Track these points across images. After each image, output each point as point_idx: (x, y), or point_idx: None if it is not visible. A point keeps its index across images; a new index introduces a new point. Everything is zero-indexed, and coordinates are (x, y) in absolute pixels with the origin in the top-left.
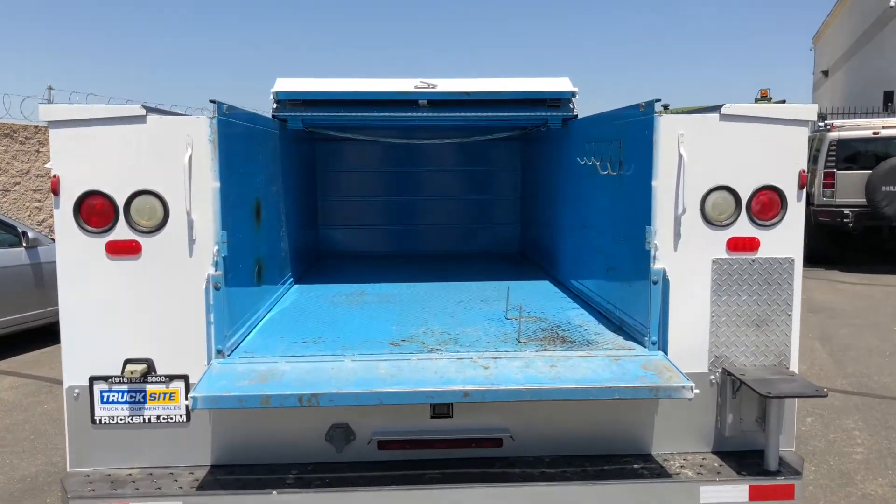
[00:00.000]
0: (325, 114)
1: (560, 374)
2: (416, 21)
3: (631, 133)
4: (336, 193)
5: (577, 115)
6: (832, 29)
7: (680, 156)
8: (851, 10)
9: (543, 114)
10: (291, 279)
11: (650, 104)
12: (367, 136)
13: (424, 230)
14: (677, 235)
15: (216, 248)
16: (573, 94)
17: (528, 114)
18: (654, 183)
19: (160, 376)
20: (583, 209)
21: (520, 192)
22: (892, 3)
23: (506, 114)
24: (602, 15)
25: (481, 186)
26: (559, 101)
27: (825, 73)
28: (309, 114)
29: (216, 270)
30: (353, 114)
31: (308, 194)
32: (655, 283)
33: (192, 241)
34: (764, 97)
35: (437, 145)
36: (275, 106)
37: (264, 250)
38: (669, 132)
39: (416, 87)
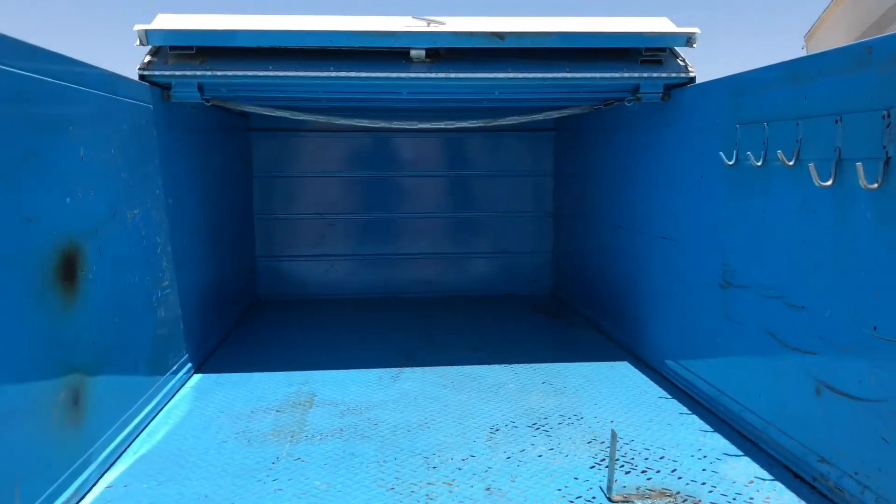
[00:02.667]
0: (241, 73)
1: None
2: None
3: None
4: (283, 208)
5: (693, 78)
6: (828, 26)
7: None
8: (853, 4)
9: (632, 75)
10: (189, 366)
11: None
12: (318, 118)
13: (413, 262)
14: None
15: None
16: (688, 40)
17: (605, 75)
18: None
19: None
20: (724, 251)
21: (552, 208)
22: None
23: (564, 75)
24: None
25: (494, 198)
26: (661, 52)
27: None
28: (211, 72)
29: None
30: (291, 74)
31: (234, 211)
32: None
33: None
34: None
35: (433, 136)
36: (147, 59)
37: (94, 345)
38: None
39: (406, 27)
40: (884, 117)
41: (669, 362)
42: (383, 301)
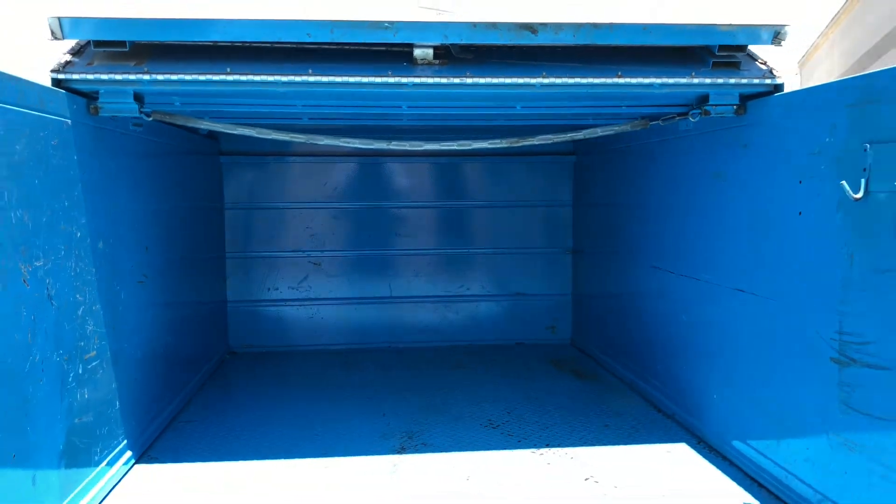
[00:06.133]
0: (191, 76)
1: None
2: None
3: None
4: (260, 246)
5: (779, 86)
6: (823, 51)
7: None
8: (849, 28)
9: (702, 82)
10: (129, 455)
11: None
12: (295, 137)
13: (410, 307)
14: None
15: None
16: (776, 35)
17: (666, 81)
18: None
19: None
20: (840, 315)
21: (571, 243)
22: None
23: (616, 81)
24: None
25: (503, 233)
26: (739, 51)
27: None
28: (151, 77)
29: None
30: (258, 77)
31: (203, 251)
32: None
33: None
34: None
35: (432, 162)
36: (65, 59)
37: None
38: None
39: (409, 17)
40: None
41: (745, 448)
42: (377, 353)
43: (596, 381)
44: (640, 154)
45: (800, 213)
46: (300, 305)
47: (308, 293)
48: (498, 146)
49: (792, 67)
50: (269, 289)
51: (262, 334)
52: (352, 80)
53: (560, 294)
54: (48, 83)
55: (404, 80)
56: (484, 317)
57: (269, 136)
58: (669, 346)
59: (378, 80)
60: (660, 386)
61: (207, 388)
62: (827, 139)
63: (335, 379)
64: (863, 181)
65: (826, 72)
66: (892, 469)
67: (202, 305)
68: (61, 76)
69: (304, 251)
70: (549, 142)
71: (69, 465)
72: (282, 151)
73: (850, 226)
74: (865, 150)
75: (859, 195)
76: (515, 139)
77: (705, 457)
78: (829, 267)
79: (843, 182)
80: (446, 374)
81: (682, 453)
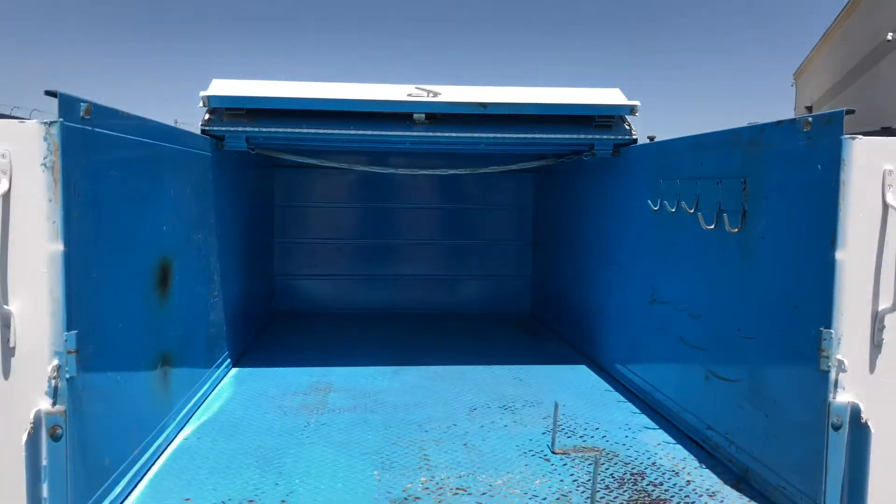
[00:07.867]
0: (280, 129)
1: None
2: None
3: (775, 167)
4: (299, 234)
5: (635, 139)
6: (816, 64)
7: (887, 208)
8: (839, 45)
9: (588, 136)
10: (229, 361)
11: (832, 119)
12: (337, 162)
13: (410, 282)
14: (878, 347)
15: (55, 362)
16: (631, 109)
17: (565, 136)
18: (839, 255)
19: None
20: (653, 275)
21: (532, 237)
22: (889, 37)
23: (534, 135)
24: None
25: (481, 228)
26: (611, 119)
27: (809, 109)
28: (257, 129)
29: (55, 404)
30: (320, 131)
31: (260, 236)
32: (838, 427)
33: (7, 352)
34: None
35: (429, 176)
36: (206, 117)
37: (175, 335)
38: (866, 168)
39: (409, 95)
40: (742, 183)
41: (618, 365)
42: (384, 316)
43: (539, 335)
44: (567, 175)
45: (639, 217)
46: (327, 279)
47: (333, 270)
48: (462, 172)
49: (787, 78)
50: (303, 266)
51: (299, 299)
52: (376, 133)
53: (523, 276)
54: (197, 131)
55: (407, 133)
56: (466, 292)
57: (326, 165)
58: (582, 307)
59: (391, 133)
60: (577, 333)
61: (266, 331)
62: (648, 174)
63: (354, 329)
64: (658, 200)
65: (817, 85)
66: (668, 360)
67: (260, 275)
68: (206, 128)
69: (331, 238)
70: (495, 170)
71: (208, 356)
72: (318, 165)
73: (654, 225)
74: (660, 183)
75: (656, 208)
76: (474, 168)
77: (595, 372)
78: (649, 249)
79: (649, 200)
80: (434, 329)
81: (580, 370)
